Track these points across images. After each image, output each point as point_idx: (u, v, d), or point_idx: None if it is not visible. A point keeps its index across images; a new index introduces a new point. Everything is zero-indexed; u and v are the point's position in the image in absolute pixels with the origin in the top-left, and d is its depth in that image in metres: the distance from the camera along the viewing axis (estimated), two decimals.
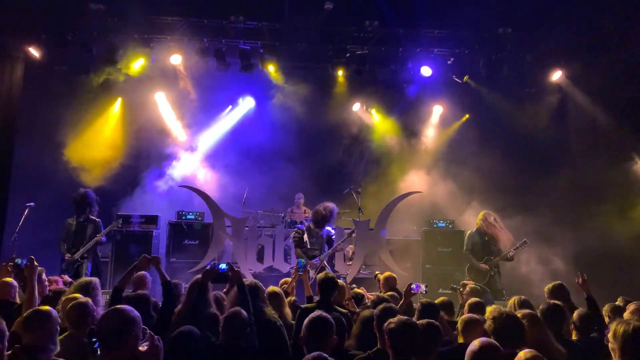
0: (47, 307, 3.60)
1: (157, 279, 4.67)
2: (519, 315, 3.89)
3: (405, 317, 3.52)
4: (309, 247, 8.29)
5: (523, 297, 4.88)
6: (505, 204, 9.86)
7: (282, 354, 4.19)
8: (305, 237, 8.32)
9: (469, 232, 8.88)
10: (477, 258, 8.52)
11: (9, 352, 3.39)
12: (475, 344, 3.01)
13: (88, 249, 8.34)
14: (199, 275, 4.74)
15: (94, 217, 8.58)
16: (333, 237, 8.57)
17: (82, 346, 3.78)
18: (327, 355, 2.86)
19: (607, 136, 10.25)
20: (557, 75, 10.65)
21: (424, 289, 5.32)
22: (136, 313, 2.98)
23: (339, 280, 5.69)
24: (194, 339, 3.36)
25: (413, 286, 5.26)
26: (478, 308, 4.98)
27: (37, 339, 3.36)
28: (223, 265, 4.67)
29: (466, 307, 5.10)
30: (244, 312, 4.09)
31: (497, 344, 3.02)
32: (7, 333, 3.01)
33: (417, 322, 3.52)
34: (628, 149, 10.03)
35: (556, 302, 4.78)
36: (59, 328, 3.54)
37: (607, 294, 6.05)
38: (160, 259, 4.84)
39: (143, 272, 5.67)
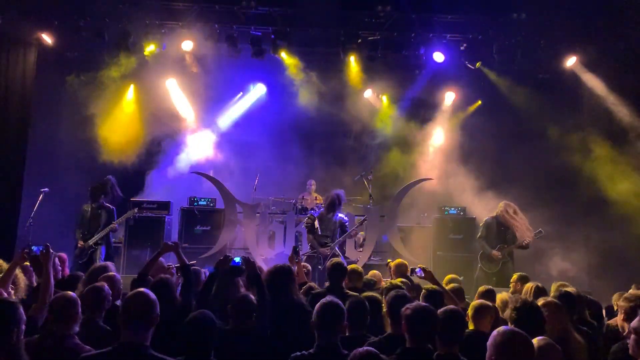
0: (70, 293, 3.65)
1: None
2: (541, 302, 3.86)
3: (423, 303, 3.53)
4: (319, 233, 8.31)
5: (540, 284, 4.87)
6: (517, 191, 9.81)
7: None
8: (317, 223, 8.33)
9: (485, 218, 8.86)
10: (491, 245, 8.52)
11: (37, 336, 3.47)
12: (498, 332, 2.84)
13: (102, 236, 8.42)
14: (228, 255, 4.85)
15: (107, 204, 8.64)
16: (346, 223, 8.60)
17: (98, 329, 3.84)
18: (377, 352, 2.87)
19: (622, 123, 10.13)
20: (571, 61, 10.49)
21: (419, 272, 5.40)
22: (154, 296, 3.09)
23: (356, 266, 5.69)
24: (209, 323, 3.39)
25: (417, 270, 5.36)
26: (488, 294, 5.00)
27: (63, 325, 3.42)
28: (237, 259, 4.70)
29: (477, 294, 5.12)
30: (251, 296, 4.13)
31: (521, 331, 2.88)
32: (25, 317, 3.05)
33: (443, 310, 3.50)
34: None
35: (568, 290, 4.78)
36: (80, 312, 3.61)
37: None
38: (179, 244, 4.97)
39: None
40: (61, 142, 10.22)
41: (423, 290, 4.59)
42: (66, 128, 10.24)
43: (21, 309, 3.03)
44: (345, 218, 8.69)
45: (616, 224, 9.48)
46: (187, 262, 4.78)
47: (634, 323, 3.13)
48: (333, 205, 8.31)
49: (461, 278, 8.81)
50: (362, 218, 9.10)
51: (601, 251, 9.55)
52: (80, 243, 8.37)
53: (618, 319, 4.02)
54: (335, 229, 8.32)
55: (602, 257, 9.51)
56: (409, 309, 3.38)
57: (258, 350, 3.81)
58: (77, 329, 3.49)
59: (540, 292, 4.69)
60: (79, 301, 3.61)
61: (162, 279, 4.61)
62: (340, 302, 3.51)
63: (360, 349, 2.88)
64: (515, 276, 6.39)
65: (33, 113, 10.14)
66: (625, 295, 4.05)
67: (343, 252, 9.61)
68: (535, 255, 9.60)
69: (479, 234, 8.76)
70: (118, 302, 4.47)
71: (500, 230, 8.58)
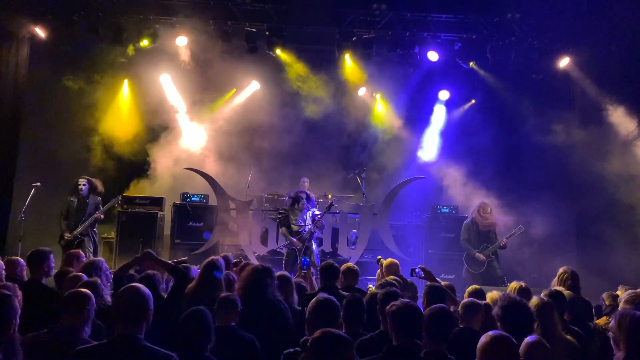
0: (86, 290, 3.64)
1: None
2: (533, 302, 3.89)
3: (408, 300, 3.54)
4: (294, 222, 8.49)
5: (524, 284, 4.89)
6: (508, 189, 9.88)
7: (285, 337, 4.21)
8: (291, 216, 8.53)
9: (465, 221, 8.95)
10: (474, 247, 8.60)
11: (46, 330, 3.47)
12: (485, 336, 2.90)
13: (87, 226, 8.39)
14: (215, 256, 4.91)
15: (94, 195, 8.62)
16: (317, 217, 8.72)
17: (91, 325, 3.83)
18: (339, 332, 2.82)
19: (613, 124, 10.22)
20: (564, 62, 10.55)
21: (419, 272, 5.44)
22: (148, 290, 3.11)
23: (352, 265, 5.69)
24: (204, 320, 3.39)
25: (417, 270, 5.39)
26: (477, 294, 5.03)
27: (76, 321, 3.44)
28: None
29: (466, 293, 5.15)
30: (235, 296, 4.15)
31: (510, 337, 2.90)
32: (19, 310, 3.07)
33: (430, 308, 3.52)
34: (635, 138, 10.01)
35: (558, 289, 4.82)
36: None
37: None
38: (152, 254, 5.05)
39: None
40: (54, 136, 10.17)
41: (425, 286, 4.61)
42: (59, 122, 10.19)
43: (17, 302, 3.06)
44: (317, 212, 8.80)
45: (609, 224, 9.56)
46: (172, 264, 4.91)
47: (611, 323, 3.22)
48: (293, 200, 8.63)
49: (452, 277, 8.98)
50: (329, 204, 9.10)
51: (593, 250, 9.62)
52: (67, 235, 8.34)
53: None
54: (305, 220, 8.51)
55: (593, 256, 9.58)
56: (394, 305, 3.38)
57: (241, 349, 3.83)
58: (88, 328, 3.50)
59: (524, 292, 4.71)
60: (94, 299, 3.58)
61: (148, 274, 4.64)
62: (334, 299, 3.52)
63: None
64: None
65: (26, 107, 10.09)
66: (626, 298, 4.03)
67: (335, 250, 9.67)
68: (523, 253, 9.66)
69: (462, 236, 8.83)
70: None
71: (480, 231, 8.65)
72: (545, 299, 4.16)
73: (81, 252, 5.97)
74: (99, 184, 8.75)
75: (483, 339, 2.87)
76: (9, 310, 2.99)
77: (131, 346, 2.90)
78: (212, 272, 4.71)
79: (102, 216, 8.61)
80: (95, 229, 8.71)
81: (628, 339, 3.05)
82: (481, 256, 8.49)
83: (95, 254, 8.47)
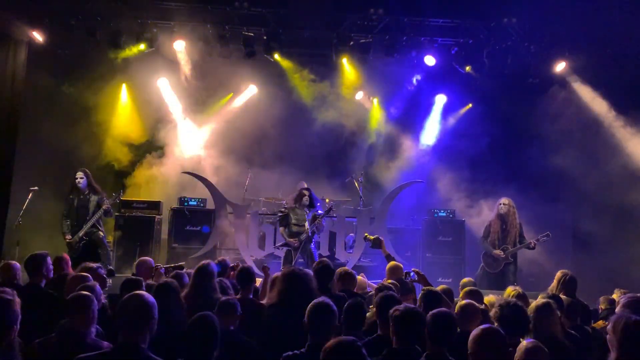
0: (87, 292, 3.66)
1: None
2: (535, 304, 3.93)
3: (411, 305, 3.57)
4: (293, 222, 8.45)
5: (520, 289, 4.91)
6: (506, 194, 9.88)
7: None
8: (291, 215, 8.50)
9: (489, 219, 8.92)
10: (494, 246, 8.55)
11: (53, 334, 3.51)
12: (478, 329, 3.04)
13: (98, 219, 8.34)
14: (206, 261, 4.88)
15: (96, 188, 8.52)
16: (318, 214, 8.70)
17: None
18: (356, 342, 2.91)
19: (610, 127, 10.28)
20: (560, 67, 10.60)
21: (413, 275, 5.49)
22: (153, 298, 3.09)
23: (350, 270, 5.69)
24: (212, 325, 3.35)
25: (411, 274, 5.44)
26: (473, 294, 5.04)
27: (81, 323, 3.46)
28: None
29: (462, 294, 5.17)
30: (235, 300, 4.19)
31: (499, 330, 3.03)
32: (20, 315, 3.08)
33: (434, 311, 3.55)
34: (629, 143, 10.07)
35: (555, 294, 4.85)
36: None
37: None
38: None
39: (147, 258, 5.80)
40: (52, 140, 10.15)
41: (422, 290, 4.63)
42: (57, 126, 10.17)
43: (18, 307, 3.06)
44: (320, 211, 8.78)
45: (605, 226, 9.60)
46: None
47: (608, 326, 3.30)
48: (297, 199, 8.55)
49: (449, 280, 9.01)
50: (328, 207, 9.04)
51: (589, 253, 9.66)
52: (68, 237, 8.24)
53: None
54: (304, 221, 8.48)
55: (590, 259, 9.62)
56: (398, 310, 3.43)
57: (240, 354, 3.84)
58: (94, 329, 3.52)
59: (520, 298, 4.73)
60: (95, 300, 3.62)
61: (167, 282, 4.51)
62: (331, 302, 3.54)
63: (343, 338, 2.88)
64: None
65: (23, 111, 10.08)
66: None
67: (333, 254, 9.67)
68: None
69: (483, 234, 8.83)
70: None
71: (503, 229, 8.60)
72: (545, 300, 4.19)
73: (66, 255, 5.94)
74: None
75: (475, 331, 3.04)
76: (10, 314, 2.99)
77: (134, 356, 2.88)
78: (203, 278, 4.71)
79: (110, 206, 8.42)
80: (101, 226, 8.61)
81: (620, 342, 3.10)
82: (501, 253, 8.42)
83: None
